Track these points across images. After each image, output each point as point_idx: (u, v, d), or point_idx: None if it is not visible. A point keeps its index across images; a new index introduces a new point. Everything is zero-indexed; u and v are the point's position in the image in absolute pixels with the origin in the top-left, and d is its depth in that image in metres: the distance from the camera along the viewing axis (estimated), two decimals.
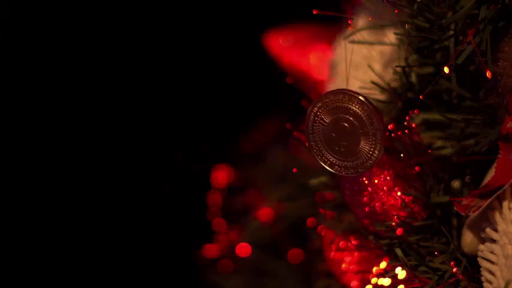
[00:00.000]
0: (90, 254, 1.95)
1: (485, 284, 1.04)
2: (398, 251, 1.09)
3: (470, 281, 1.07)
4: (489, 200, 1.01)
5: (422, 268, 1.08)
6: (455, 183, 1.13)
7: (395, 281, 1.07)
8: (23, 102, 1.96)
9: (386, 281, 1.08)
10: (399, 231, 1.08)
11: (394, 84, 1.16)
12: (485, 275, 1.04)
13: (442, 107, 1.12)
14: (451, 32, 1.04)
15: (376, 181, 1.09)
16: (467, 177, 1.13)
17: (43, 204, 1.96)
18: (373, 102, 1.04)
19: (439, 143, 1.13)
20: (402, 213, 1.10)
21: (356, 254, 1.20)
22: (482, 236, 1.05)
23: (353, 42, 1.18)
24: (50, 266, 1.94)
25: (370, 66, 1.20)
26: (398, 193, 1.09)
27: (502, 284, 1.01)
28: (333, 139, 1.05)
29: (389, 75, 1.17)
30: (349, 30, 1.19)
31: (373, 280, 1.09)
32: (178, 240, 1.90)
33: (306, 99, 1.31)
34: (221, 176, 1.73)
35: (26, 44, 1.95)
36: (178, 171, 1.97)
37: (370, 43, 1.19)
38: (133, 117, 1.98)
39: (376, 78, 1.17)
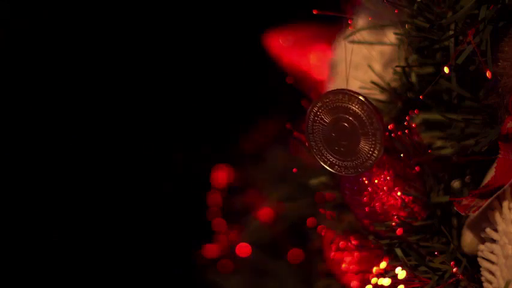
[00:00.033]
0: (90, 254, 1.95)
1: (485, 284, 1.04)
2: (398, 251, 1.09)
3: (470, 281, 1.07)
4: (489, 200, 1.01)
5: (422, 268, 1.08)
6: (455, 183, 1.13)
7: (395, 281, 1.07)
8: (23, 102, 1.96)
9: (386, 281, 1.08)
10: (399, 231, 1.08)
11: (394, 84, 1.16)
12: (485, 275, 1.04)
13: (442, 107, 1.12)
14: (451, 32, 1.04)
15: (376, 181, 1.09)
16: (467, 177, 1.13)
17: (43, 204, 1.96)
18: (373, 102, 1.04)
19: (439, 143, 1.13)
20: (402, 213, 1.10)
21: (356, 254, 1.20)
22: (482, 236, 1.05)
23: (353, 42, 1.18)
24: (50, 266, 1.94)
25: (370, 66, 1.20)
26: (398, 193, 1.09)
27: (502, 284, 1.01)
28: (332, 139, 1.05)
29: (389, 75, 1.17)
30: (349, 30, 1.19)
31: (373, 280, 1.09)
32: (178, 240, 1.90)
33: (306, 99, 1.31)
34: (221, 176, 1.73)
35: (26, 44, 1.95)
36: (178, 171, 1.97)
37: (370, 43, 1.19)
38: (134, 117, 1.98)
39: (376, 78, 1.17)
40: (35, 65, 1.95)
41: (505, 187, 1.01)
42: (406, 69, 1.13)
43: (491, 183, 1.03)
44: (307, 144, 1.07)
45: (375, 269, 1.10)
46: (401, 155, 1.09)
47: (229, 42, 1.94)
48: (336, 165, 1.06)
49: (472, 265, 1.08)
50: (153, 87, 1.99)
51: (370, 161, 1.04)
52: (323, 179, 1.20)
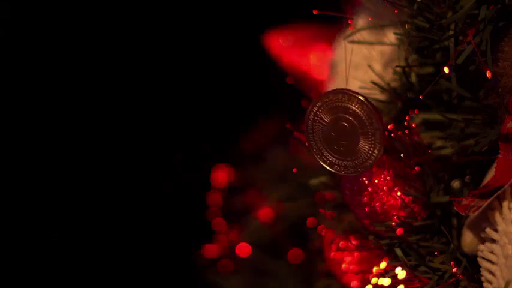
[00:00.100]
0: (90, 254, 1.95)
1: (485, 284, 1.04)
2: (398, 251, 1.09)
3: (470, 281, 1.07)
4: (489, 200, 1.01)
5: (422, 268, 1.08)
6: (455, 183, 1.13)
7: (395, 281, 1.07)
8: (23, 102, 1.96)
9: (386, 281, 1.08)
10: (399, 231, 1.08)
11: (394, 84, 1.16)
12: (485, 275, 1.04)
13: (442, 107, 1.12)
14: (451, 32, 1.04)
15: (376, 181, 1.09)
16: (467, 177, 1.13)
17: (43, 204, 1.96)
18: (373, 102, 1.04)
19: (439, 143, 1.13)
20: (402, 213, 1.10)
21: (356, 254, 1.20)
22: (482, 236, 1.05)
23: (353, 42, 1.18)
24: (50, 266, 1.94)
25: (370, 66, 1.20)
26: (398, 193, 1.09)
27: (502, 284, 1.01)
28: (332, 138, 1.05)
29: (389, 75, 1.17)
30: (349, 30, 1.19)
31: (373, 280, 1.09)
32: (178, 240, 1.90)
33: (306, 99, 1.31)
34: (221, 176, 1.73)
35: (26, 44, 1.95)
36: (178, 171, 1.97)
37: (370, 43, 1.19)
38: (134, 117, 1.98)
39: (376, 78, 1.17)
40: (35, 65, 1.95)
41: (505, 187, 1.01)
42: (406, 69, 1.13)
43: (491, 183, 1.03)
44: (306, 143, 1.07)
45: (375, 269, 1.10)
46: (401, 155, 1.09)
47: (229, 42, 1.94)
48: (336, 164, 1.06)
49: (472, 265, 1.08)
50: (153, 88, 1.99)
51: (370, 161, 1.04)
52: (323, 179, 1.20)
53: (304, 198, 1.51)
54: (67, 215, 1.96)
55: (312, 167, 1.31)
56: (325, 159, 1.06)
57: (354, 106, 1.03)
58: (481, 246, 1.05)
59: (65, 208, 1.96)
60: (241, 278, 1.64)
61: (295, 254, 1.60)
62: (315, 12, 1.12)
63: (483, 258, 1.04)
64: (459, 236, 1.10)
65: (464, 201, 1.03)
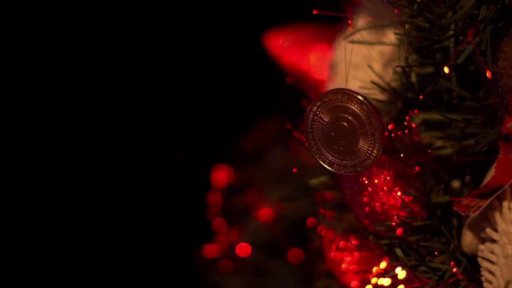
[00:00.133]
0: (90, 254, 1.95)
1: (485, 284, 1.04)
2: (398, 251, 1.09)
3: (470, 281, 1.07)
4: (489, 200, 1.01)
5: (422, 268, 1.08)
6: (455, 183, 1.13)
7: (395, 281, 1.07)
8: (23, 102, 1.96)
9: (386, 281, 1.08)
10: (399, 231, 1.08)
11: (394, 84, 1.16)
12: (485, 275, 1.04)
13: (442, 107, 1.12)
14: (451, 32, 1.04)
15: (376, 181, 1.09)
16: (467, 177, 1.13)
17: (43, 204, 1.96)
18: (373, 102, 1.04)
19: (439, 143, 1.13)
20: (402, 213, 1.10)
21: (356, 254, 1.20)
22: (482, 236, 1.05)
23: (353, 42, 1.18)
24: (50, 266, 1.94)
25: (370, 66, 1.20)
26: (398, 193, 1.09)
27: (502, 284, 1.01)
28: (332, 138, 1.05)
29: (389, 75, 1.17)
30: (349, 30, 1.19)
31: (373, 280, 1.09)
32: (178, 240, 1.90)
33: (306, 99, 1.31)
34: (221, 176, 1.73)
35: (26, 44, 1.95)
36: (178, 171, 1.97)
37: (370, 43, 1.19)
38: (134, 117, 1.98)
39: (376, 78, 1.17)
40: (35, 65, 1.95)
41: (505, 187, 1.01)
42: (406, 69, 1.13)
43: (491, 183, 1.03)
44: (306, 143, 1.07)
45: (375, 269, 1.10)
46: (401, 155, 1.09)
47: (229, 42, 1.94)
48: (335, 164, 1.06)
49: (472, 265, 1.08)
50: (153, 88, 1.99)
51: (369, 160, 1.04)
52: (323, 179, 1.20)
53: (304, 198, 1.51)
54: (67, 215, 1.96)
55: (312, 167, 1.31)
56: (325, 159, 1.06)
57: (354, 106, 1.03)
58: (481, 246, 1.05)
59: (65, 208, 1.96)
60: (241, 278, 1.64)
61: (295, 254, 1.60)
62: (315, 12, 1.12)
63: (483, 258, 1.04)
64: (459, 236, 1.10)
65: (464, 201, 1.03)
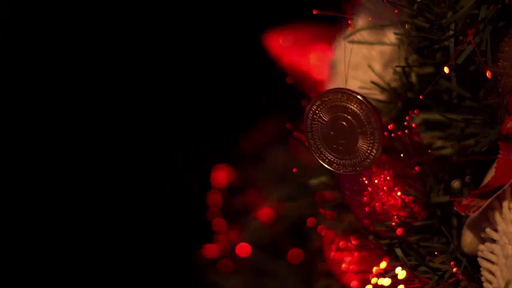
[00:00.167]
0: (90, 254, 1.95)
1: (485, 284, 1.04)
2: (398, 251, 1.09)
3: (470, 281, 1.07)
4: (489, 200, 1.01)
5: (422, 268, 1.08)
6: (455, 183, 1.13)
7: (395, 281, 1.07)
8: (23, 102, 1.96)
9: (386, 281, 1.08)
10: (399, 231, 1.08)
11: (394, 84, 1.16)
12: (485, 275, 1.04)
13: (442, 107, 1.12)
14: (451, 32, 1.04)
15: (376, 181, 1.09)
16: (467, 177, 1.13)
17: (43, 204, 1.96)
18: (373, 102, 1.04)
19: (439, 143, 1.13)
20: (402, 213, 1.10)
21: (356, 254, 1.20)
22: (482, 236, 1.05)
23: (353, 42, 1.18)
24: (50, 266, 1.94)
25: (370, 66, 1.20)
26: (398, 193, 1.09)
27: (502, 284, 1.01)
28: (331, 137, 1.05)
29: (389, 75, 1.17)
30: (349, 30, 1.19)
31: (373, 280, 1.09)
32: (178, 240, 1.90)
33: (305, 99, 1.31)
34: (221, 176, 1.73)
35: (26, 44, 1.95)
36: (178, 171, 1.97)
37: (370, 43, 1.19)
38: (134, 117, 1.98)
39: (376, 78, 1.17)
40: (35, 65, 1.95)
41: (505, 187, 1.01)
42: (406, 69, 1.13)
43: (491, 183, 1.03)
44: (306, 142, 1.07)
45: (375, 269, 1.10)
46: (401, 155, 1.09)
47: (229, 42, 1.94)
48: (334, 163, 1.06)
49: (472, 265, 1.08)
50: (153, 88, 1.99)
51: (368, 160, 1.04)
52: (323, 179, 1.20)
53: (304, 198, 1.51)
54: (67, 215, 1.96)
55: (312, 167, 1.31)
56: (324, 158, 1.06)
57: (353, 105, 1.03)
58: (481, 246, 1.05)
59: (65, 208, 1.96)
60: (241, 278, 1.64)
61: (295, 254, 1.60)
62: (315, 12, 1.12)
63: (483, 258, 1.04)
64: (459, 236, 1.10)
65: (464, 201, 1.03)
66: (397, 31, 1.11)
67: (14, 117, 1.96)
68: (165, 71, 1.98)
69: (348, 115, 1.03)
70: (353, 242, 1.15)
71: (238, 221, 1.68)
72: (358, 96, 1.02)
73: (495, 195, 1.01)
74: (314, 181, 1.21)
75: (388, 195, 1.09)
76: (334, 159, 1.06)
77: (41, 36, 1.94)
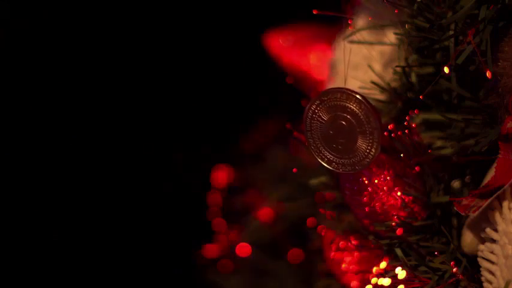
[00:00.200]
0: (90, 254, 1.95)
1: (485, 284, 1.04)
2: (398, 251, 1.09)
3: (470, 281, 1.07)
4: (489, 200, 1.01)
5: (422, 268, 1.08)
6: (455, 183, 1.13)
7: (395, 281, 1.07)
8: (23, 102, 1.96)
9: (386, 281, 1.08)
10: (399, 231, 1.08)
11: (394, 84, 1.16)
12: (485, 275, 1.04)
13: (442, 107, 1.12)
14: (451, 32, 1.04)
15: (376, 181, 1.09)
16: (467, 177, 1.13)
17: (43, 204, 1.96)
18: (373, 102, 1.04)
19: (439, 143, 1.13)
20: (402, 213, 1.10)
21: (356, 254, 1.20)
22: (482, 236, 1.05)
23: (353, 42, 1.18)
24: (50, 266, 1.94)
25: (370, 66, 1.20)
26: (398, 193, 1.09)
27: (502, 284, 1.01)
28: (330, 136, 1.05)
29: (389, 75, 1.17)
30: (349, 30, 1.19)
31: (373, 280, 1.09)
32: (178, 240, 1.90)
33: (305, 99, 1.31)
34: (221, 176, 1.73)
35: (26, 44, 1.95)
36: (178, 171, 1.97)
37: (370, 43, 1.19)
38: (134, 117, 1.98)
39: (376, 78, 1.17)
40: (35, 65, 1.95)
41: (505, 187, 1.01)
42: (406, 69, 1.13)
43: (491, 183, 1.03)
44: (305, 141, 1.07)
45: (375, 269, 1.10)
46: (401, 155, 1.09)
47: (229, 42, 1.94)
48: (334, 162, 1.06)
49: (472, 265, 1.08)
50: (153, 88, 1.99)
51: (367, 159, 1.04)
52: (323, 179, 1.20)
53: (304, 198, 1.51)
54: (67, 215, 1.96)
55: (312, 167, 1.31)
56: (323, 157, 1.06)
57: (352, 105, 1.03)
58: (481, 246, 1.05)
59: (65, 208, 1.96)
60: (241, 278, 1.64)
61: (295, 254, 1.60)
62: (315, 12, 1.12)
63: (483, 258, 1.04)
64: (459, 236, 1.10)
65: (464, 201, 1.03)
66: (397, 31, 1.11)
67: (14, 117, 1.96)
68: (165, 71, 1.98)
69: (347, 114, 1.03)
70: (353, 242, 1.15)
71: (238, 221, 1.68)
72: (358, 96, 1.02)
73: (495, 195, 1.01)
74: (314, 181, 1.21)
75: (388, 195, 1.09)
76: (333, 158, 1.06)
77: (41, 36, 1.94)
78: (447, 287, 1.06)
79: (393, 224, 1.09)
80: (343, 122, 1.04)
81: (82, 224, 1.96)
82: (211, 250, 1.67)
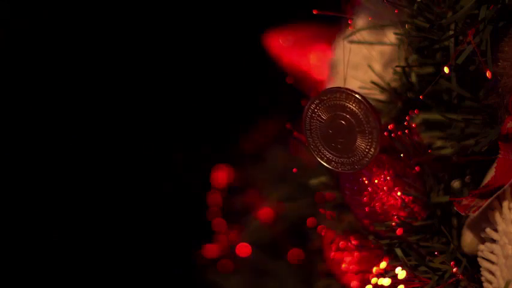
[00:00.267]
0: (90, 254, 1.95)
1: (485, 284, 1.04)
2: (398, 251, 1.09)
3: (470, 281, 1.07)
4: (489, 200, 1.01)
5: (422, 268, 1.08)
6: (455, 183, 1.13)
7: (395, 281, 1.07)
8: (23, 102, 1.96)
9: (386, 281, 1.08)
10: (399, 231, 1.08)
11: (394, 84, 1.16)
12: (485, 275, 1.04)
13: (442, 107, 1.12)
14: (451, 32, 1.04)
15: (376, 181, 1.09)
16: (467, 177, 1.13)
17: (43, 204, 1.96)
18: (373, 102, 1.04)
19: (439, 143, 1.13)
20: (402, 213, 1.10)
21: (356, 254, 1.20)
22: (482, 236, 1.05)
23: (353, 42, 1.18)
24: (50, 266, 1.94)
25: (370, 66, 1.20)
26: (398, 193, 1.09)
27: (502, 284, 1.01)
28: (330, 136, 1.05)
29: (389, 75, 1.17)
30: (349, 30, 1.19)
31: (373, 280, 1.09)
32: (178, 240, 1.90)
33: (306, 99, 1.31)
34: (221, 176, 1.73)
35: (26, 44, 1.95)
36: (178, 171, 1.97)
37: (370, 43, 1.19)
38: (134, 117, 1.98)
39: (376, 78, 1.17)
40: (35, 65, 1.95)
41: (505, 187, 1.01)
42: (406, 69, 1.13)
43: (491, 183, 1.03)
44: (304, 140, 1.07)
45: (375, 269, 1.10)
46: (401, 155, 1.09)
47: (229, 42, 1.94)
48: (333, 161, 1.06)
49: (472, 265, 1.08)
50: (153, 88, 1.99)
51: (367, 159, 1.04)
52: (323, 179, 1.20)
53: (304, 198, 1.51)
54: (67, 215, 1.96)
55: (312, 167, 1.31)
56: (323, 156, 1.06)
57: (352, 105, 1.03)
58: (481, 246, 1.05)
59: (65, 208, 1.96)
60: (241, 278, 1.64)
61: (295, 254, 1.60)
62: (315, 12, 1.12)
63: (483, 258, 1.04)
64: (459, 236, 1.10)
65: (464, 201, 1.03)
66: (397, 31, 1.11)
67: (14, 117, 1.96)
68: (165, 71, 1.98)
69: (347, 114, 1.03)
70: (353, 242, 1.15)
71: (238, 221, 1.68)
72: (357, 96, 1.02)
73: (495, 195, 1.01)
74: (314, 181, 1.21)
75: (388, 195, 1.09)
76: (332, 158, 1.06)
77: (41, 36, 1.94)
78: (447, 287, 1.06)
79: (393, 224, 1.09)
80: (343, 122, 1.04)
81: (82, 224, 1.96)
82: (211, 250, 1.67)
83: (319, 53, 1.57)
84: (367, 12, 1.22)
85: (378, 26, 1.18)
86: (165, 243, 1.94)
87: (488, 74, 1.01)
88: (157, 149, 1.97)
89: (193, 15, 1.96)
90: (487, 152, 1.06)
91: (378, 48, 1.22)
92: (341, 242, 1.17)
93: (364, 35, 1.19)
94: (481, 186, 1.05)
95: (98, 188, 1.96)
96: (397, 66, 1.13)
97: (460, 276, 1.06)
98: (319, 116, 1.05)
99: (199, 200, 1.71)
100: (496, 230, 1.02)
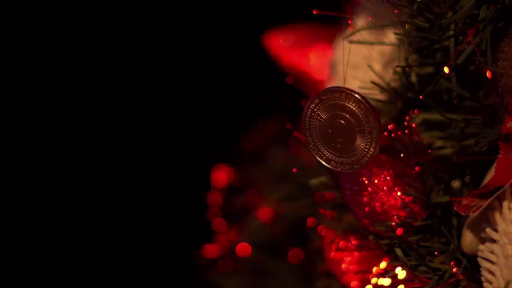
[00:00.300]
0: (90, 254, 1.95)
1: (485, 284, 1.04)
2: (398, 251, 1.09)
3: (470, 281, 1.07)
4: (489, 200, 1.01)
5: (422, 268, 1.08)
6: (455, 183, 1.13)
7: (395, 281, 1.07)
8: (23, 102, 1.96)
9: (386, 281, 1.08)
10: (399, 231, 1.08)
11: (394, 84, 1.16)
12: (485, 275, 1.04)
13: (442, 107, 1.12)
14: (451, 32, 1.04)
15: (376, 181, 1.09)
16: (467, 177, 1.13)
17: (43, 204, 1.96)
18: (373, 102, 1.04)
19: (439, 143, 1.13)
20: (402, 213, 1.10)
21: (356, 254, 1.20)
22: (482, 236, 1.05)
23: (353, 42, 1.18)
24: (50, 266, 1.94)
25: (370, 66, 1.20)
26: (398, 193, 1.09)
27: (502, 284, 1.01)
28: (329, 135, 1.05)
29: (389, 75, 1.17)
30: (349, 30, 1.19)
31: (373, 280, 1.09)
32: (178, 240, 1.90)
33: (305, 99, 1.31)
34: (221, 176, 1.73)
35: (26, 44, 1.95)
36: (178, 171, 1.97)
37: (370, 43, 1.19)
38: (134, 117, 1.98)
39: (376, 78, 1.17)
40: (35, 65, 1.95)
41: (505, 187, 1.01)
42: (406, 69, 1.13)
43: (491, 183, 1.03)
44: (304, 139, 1.07)
45: (375, 269, 1.10)
46: (401, 155, 1.09)
47: (229, 42, 1.94)
48: (332, 160, 1.06)
49: (472, 265, 1.08)
50: (153, 87, 1.99)
51: (366, 158, 1.04)
52: (323, 179, 1.20)
53: (304, 198, 1.51)
54: (67, 215, 1.96)
55: (312, 167, 1.31)
56: (322, 155, 1.06)
57: (351, 104, 1.03)
58: (481, 246, 1.05)
59: (65, 208, 1.96)
60: (241, 278, 1.64)
61: (295, 254, 1.60)
62: (315, 12, 1.12)
63: (483, 258, 1.04)
64: (459, 236, 1.10)
65: (464, 201, 1.03)
66: (397, 31, 1.11)
67: (14, 117, 1.96)
68: (165, 71, 1.98)
69: (346, 114, 1.03)
70: (353, 242, 1.15)
71: (238, 221, 1.68)
72: (356, 95, 1.03)
73: (495, 195, 1.01)
74: (314, 181, 1.21)
75: (388, 195, 1.09)
76: (332, 157, 1.06)
77: (41, 36, 1.94)
78: (447, 287, 1.06)
79: (393, 224, 1.09)
80: (342, 121, 1.04)
81: (82, 224, 1.96)
82: (211, 250, 1.67)
83: (319, 53, 1.57)
84: (367, 12, 1.22)
85: (378, 26, 1.18)
86: (165, 243, 1.94)
87: (488, 74, 1.01)
88: (157, 149, 1.97)
89: (193, 15, 1.96)
90: (487, 152, 1.06)
91: (378, 48, 1.22)
92: (341, 242, 1.17)
93: (364, 35, 1.19)
94: (481, 186, 1.05)
95: (98, 188, 1.96)
96: (397, 66, 1.13)
97: (460, 276, 1.06)
98: (318, 115, 1.05)
99: (199, 200, 1.71)
100: (496, 230, 1.02)
